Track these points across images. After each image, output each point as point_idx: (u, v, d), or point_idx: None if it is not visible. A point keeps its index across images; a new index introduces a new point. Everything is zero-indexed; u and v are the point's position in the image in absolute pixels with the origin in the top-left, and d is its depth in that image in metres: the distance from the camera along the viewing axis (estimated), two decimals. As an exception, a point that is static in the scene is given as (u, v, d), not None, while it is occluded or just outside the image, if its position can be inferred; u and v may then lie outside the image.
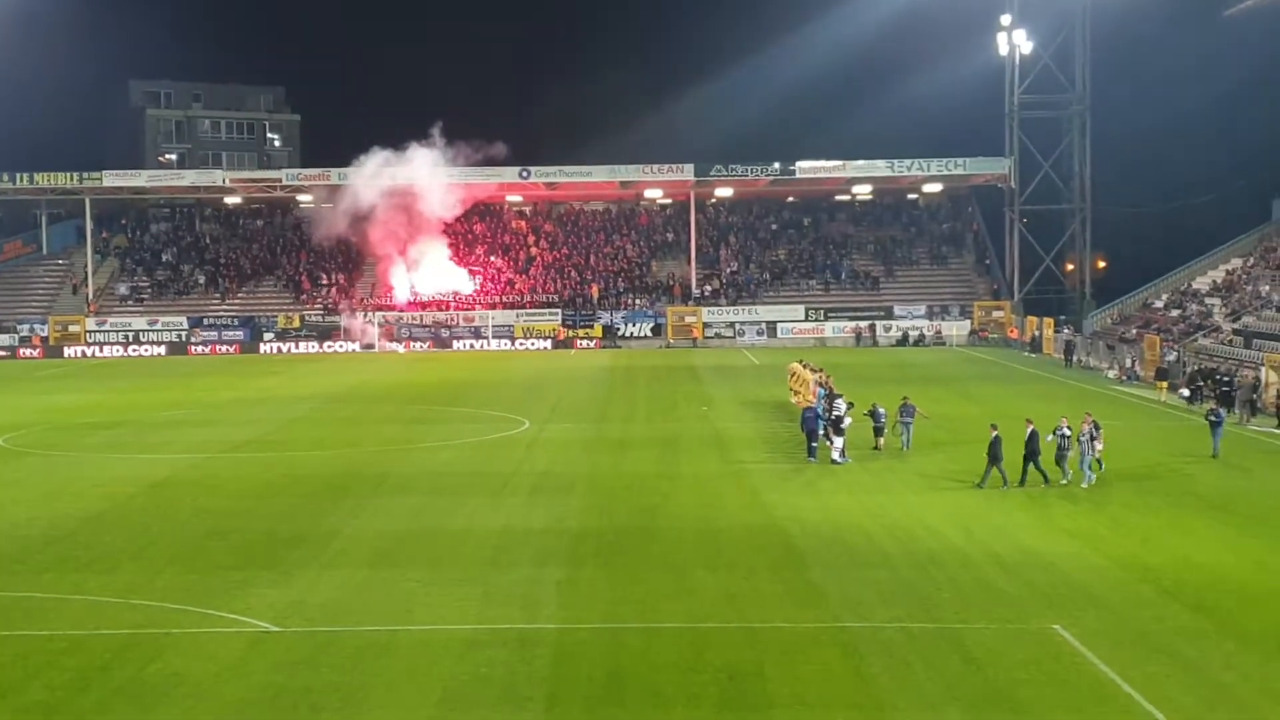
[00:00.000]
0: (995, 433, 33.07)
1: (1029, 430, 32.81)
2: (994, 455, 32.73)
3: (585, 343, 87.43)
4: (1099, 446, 33.45)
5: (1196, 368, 56.08)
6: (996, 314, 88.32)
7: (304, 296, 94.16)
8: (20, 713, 17.09)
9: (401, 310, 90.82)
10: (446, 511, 30.26)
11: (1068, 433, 33.03)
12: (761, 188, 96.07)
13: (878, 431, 38.59)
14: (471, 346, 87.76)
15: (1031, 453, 32.56)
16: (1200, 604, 21.56)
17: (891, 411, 39.39)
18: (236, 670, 18.65)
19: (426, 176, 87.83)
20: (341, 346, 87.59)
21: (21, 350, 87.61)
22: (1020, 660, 18.70)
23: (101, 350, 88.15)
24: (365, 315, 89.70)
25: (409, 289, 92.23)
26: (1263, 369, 48.93)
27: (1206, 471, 35.62)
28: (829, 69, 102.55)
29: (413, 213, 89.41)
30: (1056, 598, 22.00)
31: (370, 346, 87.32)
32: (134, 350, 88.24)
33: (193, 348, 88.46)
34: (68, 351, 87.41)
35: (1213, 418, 38.61)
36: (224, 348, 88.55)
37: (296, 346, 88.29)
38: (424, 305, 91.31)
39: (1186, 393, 52.53)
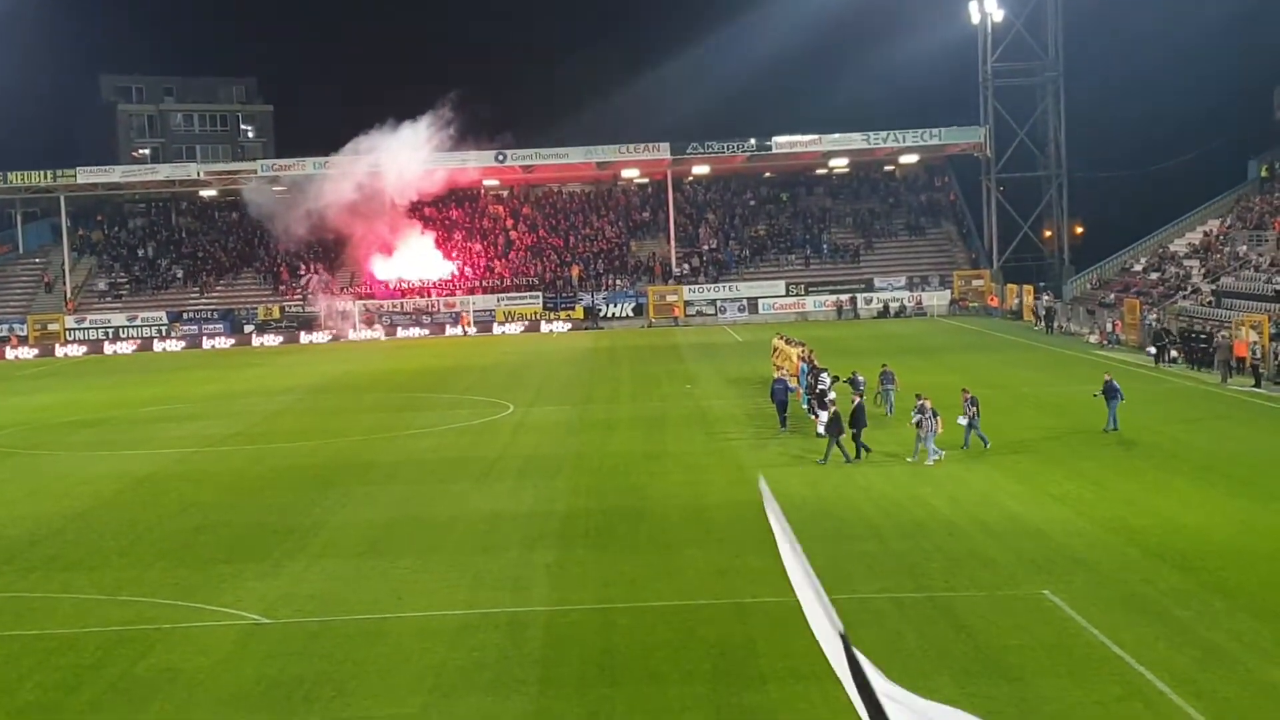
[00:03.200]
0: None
1: (855, 403, 32.95)
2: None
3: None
4: (961, 421, 33.02)
5: (1162, 326, 56.43)
6: (976, 283, 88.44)
7: (283, 287, 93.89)
8: (13, 714, 17.04)
9: (381, 298, 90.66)
10: (434, 498, 30.26)
11: (924, 410, 32.26)
12: (738, 164, 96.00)
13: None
14: (463, 332, 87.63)
15: (857, 426, 32.57)
16: (1187, 565, 21.67)
17: (873, 379, 39.85)
18: (229, 663, 18.64)
19: (401, 163, 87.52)
20: (322, 337, 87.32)
21: (1, 350, 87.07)
22: (1010, 626, 18.78)
23: (81, 347, 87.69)
24: (345, 304, 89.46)
25: (388, 276, 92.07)
26: (1241, 329, 49.01)
27: (1191, 433, 35.79)
28: (801, 43, 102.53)
29: (389, 200, 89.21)
30: (1044, 563, 22.09)
31: (348, 335, 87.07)
32: (114, 347, 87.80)
33: (172, 342, 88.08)
34: (46, 350, 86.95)
35: (1108, 391, 35.58)
36: (206, 341, 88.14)
37: (277, 338, 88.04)
38: (404, 292, 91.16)
39: (1153, 350, 53.00)
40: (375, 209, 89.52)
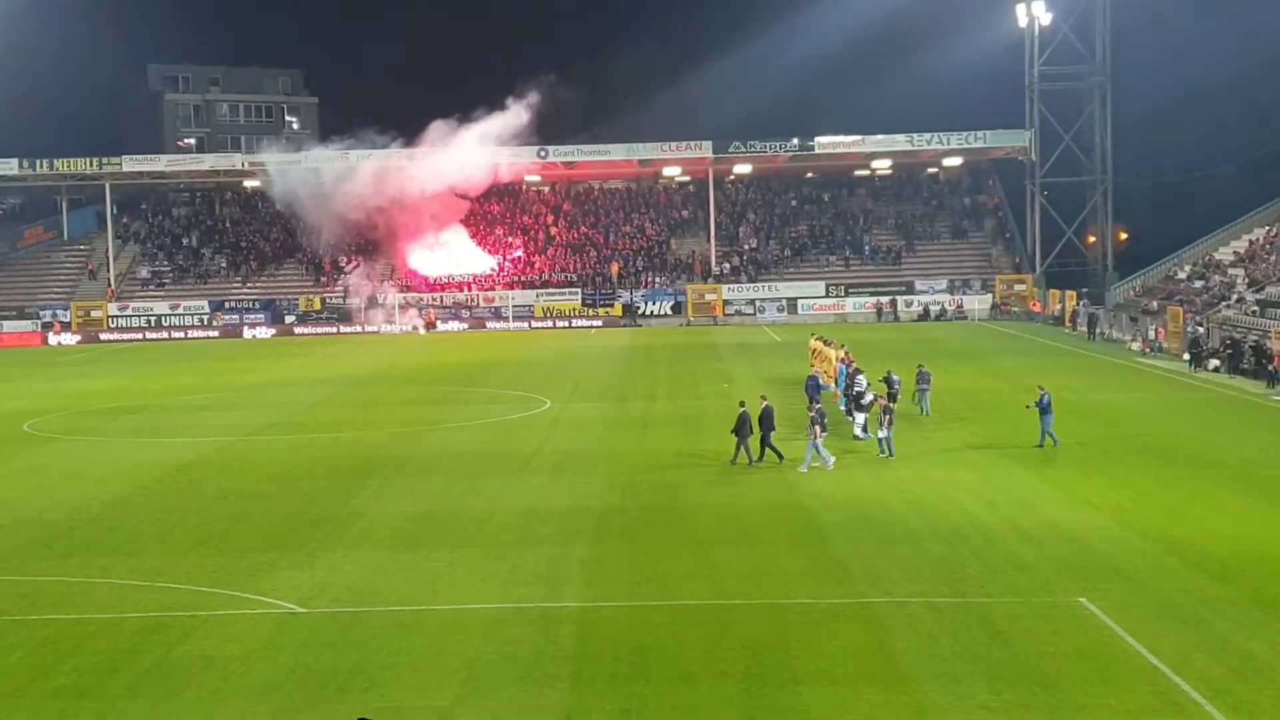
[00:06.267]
0: (743, 409, 32.98)
1: (763, 407, 32.81)
2: (739, 432, 32.72)
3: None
4: (883, 434, 33.15)
5: (1204, 331, 56.12)
6: (1018, 287, 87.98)
7: (324, 279, 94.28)
8: (50, 696, 17.18)
9: (422, 292, 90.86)
10: (470, 491, 30.32)
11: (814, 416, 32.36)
12: (780, 164, 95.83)
13: (892, 398, 39.08)
14: (503, 327, 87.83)
15: (765, 431, 32.55)
16: (1226, 575, 21.48)
17: (909, 380, 40.01)
18: (263, 652, 18.72)
19: (443, 157, 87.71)
20: (362, 328, 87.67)
21: (45, 336, 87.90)
22: (1046, 633, 18.66)
23: (124, 335, 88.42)
24: (385, 297, 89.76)
25: (429, 270, 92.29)
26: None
27: (1232, 443, 35.49)
28: (848, 43, 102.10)
29: (431, 194, 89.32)
30: (1081, 570, 21.94)
31: (389, 327, 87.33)
32: (155, 335, 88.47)
33: (214, 331, 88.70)
34: (89, 336, 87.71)
35: (1042, 406, 34.11)
36: (247, 331, 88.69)
37: (318, 329, 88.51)
38: (443, 286, 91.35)
39: (1188, 356, 52.83)
40: (417, 201, 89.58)
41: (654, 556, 23.64)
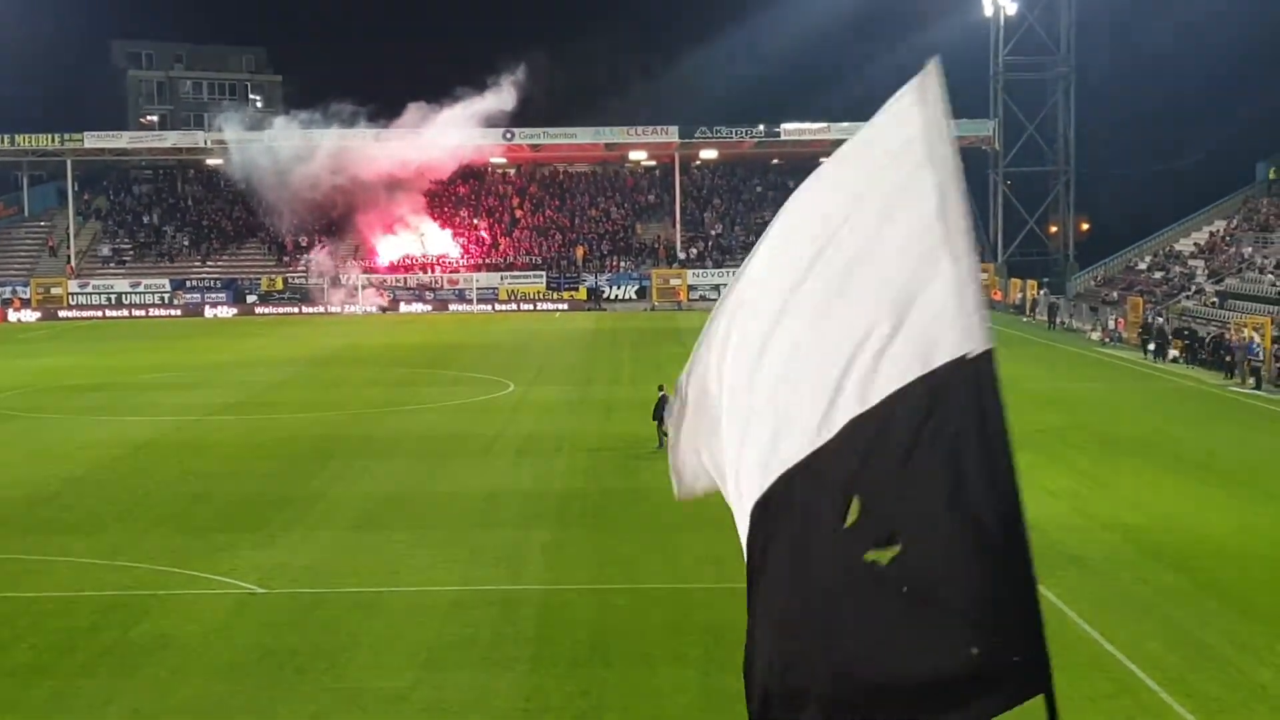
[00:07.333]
0: (661, 394, 33.10)
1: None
2: (658, 417, 32.92)
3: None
4: None
5: (1162, 321, 56.59)
6: (980, 276, 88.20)
7: (287, 259, 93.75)
8: (7, 674, 17.10)
9: (385, 273, 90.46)
10: (432, 474, 30.29)
11: None
12: (746, 150, 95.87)
13: None
14: (463, 309, 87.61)
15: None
16: (1183, 564, 21.69)
17: None
18: (223, 632, 18.68)
19: (409, 137, 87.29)
20: (324, 309, 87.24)
21: (4, 312, 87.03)
22: (1003, 620, 18.78)
23: (84, 312, 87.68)
24: (348, 277, 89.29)
25: (393, 252, 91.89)
26: (1245, 330, 48.98)
27: (1190, 433, 35.81)
28: (814, 31, 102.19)
29: (396, 174, 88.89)
30: (1039, 558, 21.59)
31: (351, 308, 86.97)
32: (116, 313, 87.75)
33: (175, 310, 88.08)
34: (49, 313, 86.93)
35: None
36: (209, 310, 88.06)
37: (280, 309, 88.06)
38: (407, 267, 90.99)
39: (1153, 346, 53.26)
40: (382, 181, 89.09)
41: (615, 540, 23.70)
